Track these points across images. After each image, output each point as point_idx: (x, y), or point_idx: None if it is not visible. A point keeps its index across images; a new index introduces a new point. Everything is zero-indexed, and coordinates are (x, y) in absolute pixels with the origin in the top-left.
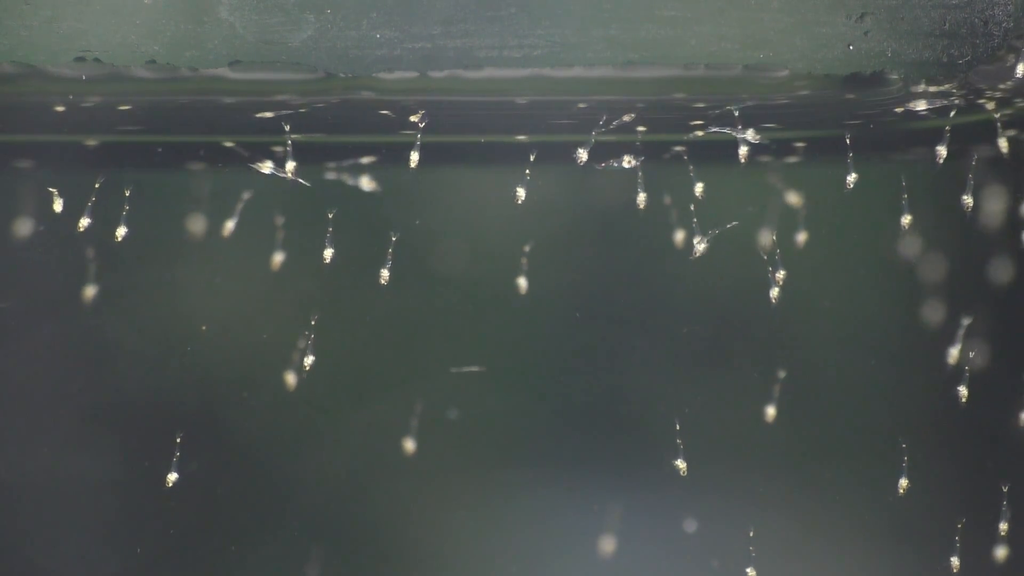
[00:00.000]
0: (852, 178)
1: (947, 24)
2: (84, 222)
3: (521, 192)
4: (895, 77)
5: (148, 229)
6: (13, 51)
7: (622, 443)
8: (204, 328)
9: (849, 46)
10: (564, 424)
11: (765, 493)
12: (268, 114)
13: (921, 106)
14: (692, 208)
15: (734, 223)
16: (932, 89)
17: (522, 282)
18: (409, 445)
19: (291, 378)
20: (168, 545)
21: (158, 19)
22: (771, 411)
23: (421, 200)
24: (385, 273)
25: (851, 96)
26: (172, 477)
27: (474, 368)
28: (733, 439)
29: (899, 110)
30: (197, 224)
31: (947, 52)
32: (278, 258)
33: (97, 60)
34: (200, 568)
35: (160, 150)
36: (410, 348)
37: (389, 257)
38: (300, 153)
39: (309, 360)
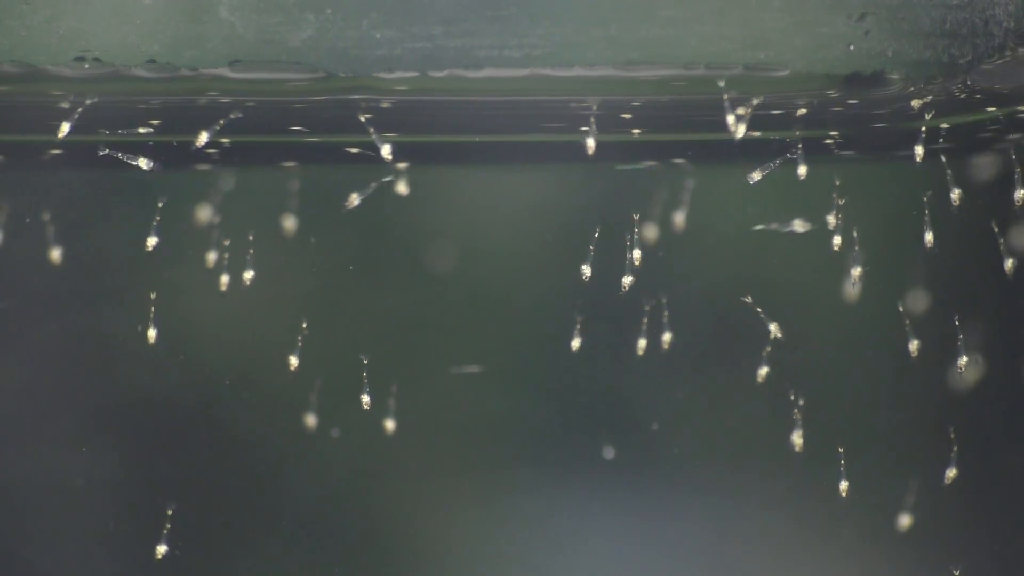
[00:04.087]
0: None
1: (948, 24)
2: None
3: (587, 269)
4: (896, 77)
5: (144, 229)
6: (13, 51)
7: (622, 443)
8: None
9: (850, 46)
10: (564, 424)
11: (763, 493)
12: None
13: None
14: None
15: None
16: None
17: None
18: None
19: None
20: (168, 545)
21: (158, 19)
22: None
23: (421, 199)
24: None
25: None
26: (162, 549)
27: (473, 368)
28: (733, 438)
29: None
30: (196, 224)
31: (948, 52)
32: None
33: (97, 60)
34: (200, 567)
35: (154, 146)
36: (409, 348)
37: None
38: (299, 153)
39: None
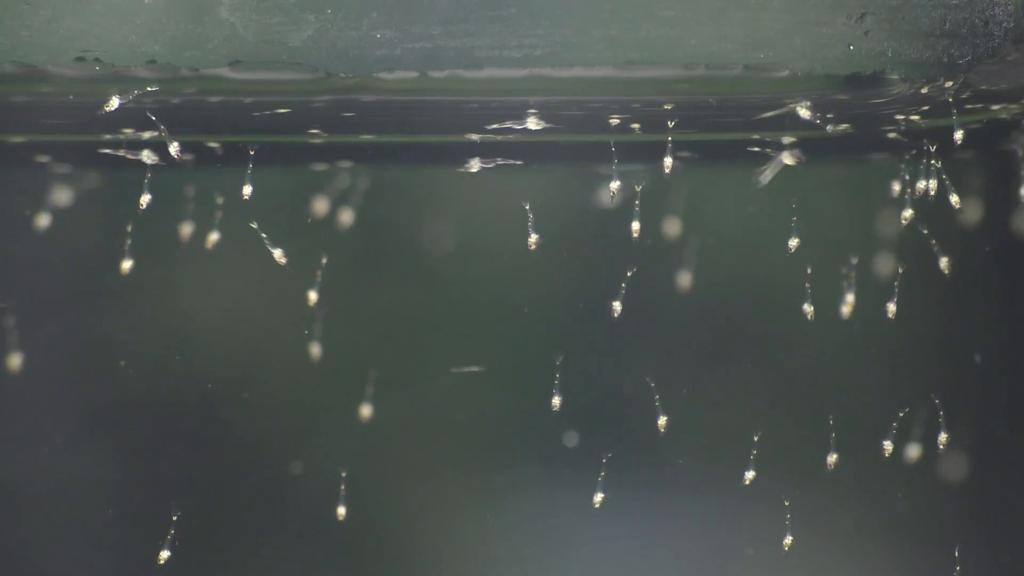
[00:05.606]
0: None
1: (947, 24)
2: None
3: (618, 306)
4: (895, 77)
5: (146, 229)
6: (13, 51)
7: (623, 443)
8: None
9: (849, 46)
10: (564, 424)
11: (765, 493)
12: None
13: None
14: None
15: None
16: None
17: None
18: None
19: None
20: (169, 545)
21: (158, 19)
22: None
23: (421, 199)
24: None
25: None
26: (164, 555)
27: (474, 368)
28: (734, 439)
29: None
30: (192, 224)
31: (947, 52)
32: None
33: (97, 60)
34: (200, 567)
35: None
36: (410, 348)
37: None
38: (297, 153)
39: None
